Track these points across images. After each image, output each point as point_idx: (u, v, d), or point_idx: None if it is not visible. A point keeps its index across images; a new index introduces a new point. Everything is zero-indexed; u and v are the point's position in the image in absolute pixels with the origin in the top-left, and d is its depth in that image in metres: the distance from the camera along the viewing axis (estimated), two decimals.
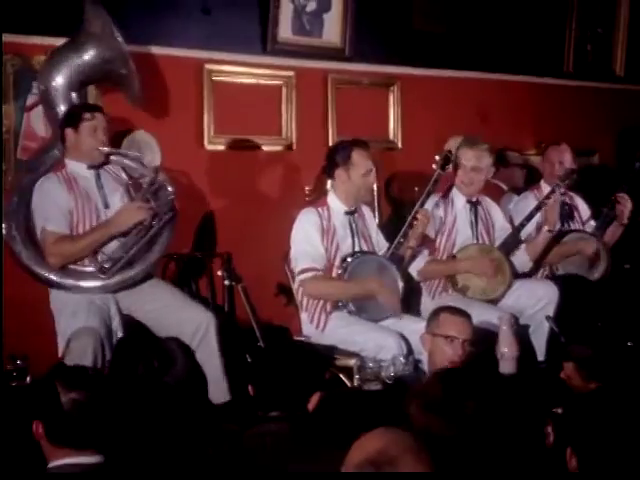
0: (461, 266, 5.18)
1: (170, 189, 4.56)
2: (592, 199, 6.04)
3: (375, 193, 5.85)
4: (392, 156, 6.34)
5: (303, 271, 4.74)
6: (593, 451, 2.30)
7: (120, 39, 4.71)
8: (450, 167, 5.13)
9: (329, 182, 5.17)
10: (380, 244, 5.03)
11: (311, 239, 4.78)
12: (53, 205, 4.45)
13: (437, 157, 5.05)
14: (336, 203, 4.90)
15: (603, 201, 5.92)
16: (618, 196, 5.76)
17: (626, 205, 5.73)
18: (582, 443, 2.34)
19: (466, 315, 4.10)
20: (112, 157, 4.65)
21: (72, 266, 4.47)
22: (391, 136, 6.39)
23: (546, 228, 5.38)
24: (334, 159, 4.89)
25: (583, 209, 5.95)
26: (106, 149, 4.56)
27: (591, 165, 7.29)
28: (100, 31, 4.73)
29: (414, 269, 5.16)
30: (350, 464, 2.00)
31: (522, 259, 5.38)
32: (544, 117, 7.06)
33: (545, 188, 5.71)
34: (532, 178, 6.18)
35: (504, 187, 6.04)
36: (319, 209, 4.87)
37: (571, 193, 5.90)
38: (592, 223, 5.89)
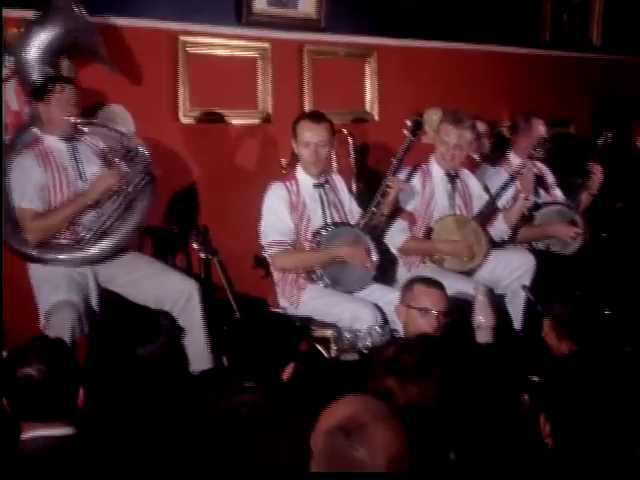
0: (440, 248, 5.19)
1: (144, 152, 4.56)
2: (566, 168, 6.07)
3: (353, 165, 5.84)
4: (369, 127, 6.33)
5: (271, 245, 4.76)
6: (566, 417, 2.31)
7: (83, 10, 4.70)
8: (421, 132, 5.11)
9: None
10: (353, 212, 5.03)
11: (279, 213, 4.78)
12: (28, 182, 4.45)
13: (408, 122, 5.04)
14: (304, 176, 4.88)
15: (576, 171, 5.95)
16: (590, 166, 5.79)
17: (597, 175, 5.77)
18: (555, 409, 2.35)
19: (441, 287, 4.09)
20: (88, 128, 4.63)
21: (51, 240, 4.47)
22: (368, 107, 6.37)
23: (523, 196, 5.39)
24: (292, 131, 4.89)
25: (549, 177, 5.99)
26: (75, 119, 4.53)
27: (566, 134, 7.30)
28: (64, 3, 4.71)
29: (392, 243, 5.17)
30: (320, 431, 2.00)
31: (501, 227, 5.41)
32: (521, 87, 7.05)
33: (514, 159, 5.75)
34: (502, 148, 6.17)
35: (476, 157, 6.04)
36: (287, 183, 4.86)
37: (536, 162, 5.95)
38: (558, 192, 5.92)
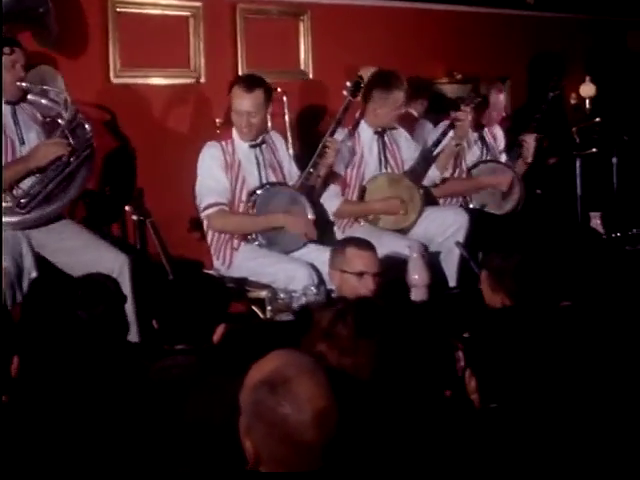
0: (374, 208, 5.20)
1: (88, 127, 4.51)
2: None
3: (287, 125, 5.81)
4: (304, 86, 6.29)
5: (208, 206, 4.73)
6: (491, 371, 2.33)
7: None
8: (360, 93, 5.10)
9: None
10: (292, 173, 5.01)
11: (214, 174, 4.74)
12: None
13: (348, 83, 5.02)
14: (238, 136, 4.85)
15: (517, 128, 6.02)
16: (522, 139, 5.86)
17: (530, 146, 5.84)
18: (481, 364, 2.37)
19: (372, 247, 4.09)
20: (30, 96, 4.55)
21: None
22: (302, 66, 6.33)
23: (454, 142, 5.41)
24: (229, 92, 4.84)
25: (500, 139, 6.03)
26: (25, 84, 4.47)
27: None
28: None
29: (328, 207, 5.16)
30: (246, 385, 2.00)
31: (432, 174, 5.42)
32: (456, 45, 7.06)
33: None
34: (440, 106, 6.19)
35: (415, 114, 6.06)
36: (222, 143, 4.82)
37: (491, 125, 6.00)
38: (503, 157, 5.98)
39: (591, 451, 2.18)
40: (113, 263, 4.41)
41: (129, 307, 4.36)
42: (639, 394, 2.72)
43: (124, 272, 4.41)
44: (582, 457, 2.17)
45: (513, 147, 5.97)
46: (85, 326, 3.33)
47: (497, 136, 6.03)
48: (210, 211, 4.73)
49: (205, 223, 4.86)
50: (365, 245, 4.10)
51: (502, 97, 5.93)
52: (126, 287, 4.38)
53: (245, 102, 4.73)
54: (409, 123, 5.90)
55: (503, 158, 5.98)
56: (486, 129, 5.94)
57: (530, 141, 5.86)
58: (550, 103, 6.01)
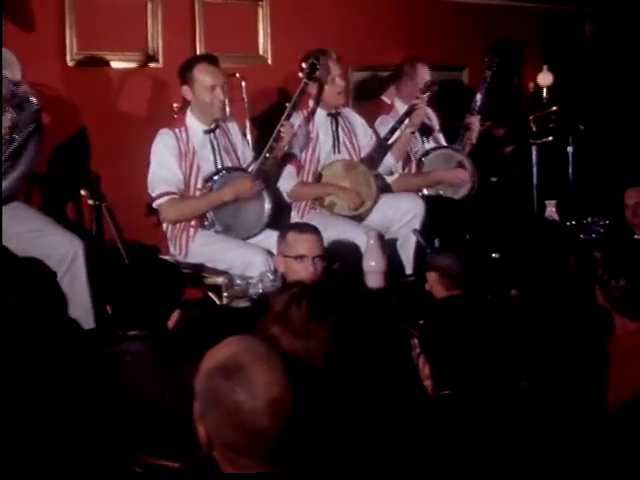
0: (328, 189, 5.20)
1: (34, 100, 4.41)
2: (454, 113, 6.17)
3: (246, 110, 5.79)
4: (262, 71, 6.26)
5: (159, 196, 4.70)
6: (444, 358, 2.35)
7: None
8: (317, 75, 5.10)
9: None
10: (247, 157, 5.00)
11: (166, 163, 4.70)
12: None
13: (303, 65, 5.01)
14: (193, 122, 4.81)
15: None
16: (467, 122, 5.92)
17: (475, 127, 5.89)
18: (434, 351, 2.38)
19: (314, 231, 4.11)
20: None
21: None
22: (261, 51, 6.30)
23: (409, 130, 5.43)
24: (180, 77, 4.80)
25: (434, 120, 6.07)
26: None
27: (457, 81, 7.38)
28: None
29: (283, 188, 5.16)
30: (201, 371, 1.99)
31: (388, 162, 5.46)
32: (414, 32, 7.06)
33: (400, 106, 5.80)
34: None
35: (388, 102, 6.07)
36: (176, 130, 4.77)
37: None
38: (441, 137, 6.01)
39: (542, 436, 2.21)
40: (68, 248, 4.35)
41: (83, 293, 4.34)
42: (587, 379, 2.77)
43: (78, 257, 4.34)
44: (533, 441, 2.19)
45: (459, 131, 6.02)
46: (19, 312, 3.28)
47: (431, 116, 6.05)
48: (161, 201, 4.70)
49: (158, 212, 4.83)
50: (306, 229, 4.12)
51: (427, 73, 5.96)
52: (81, 272, 4.35)
53: (216, 76, 4.74)
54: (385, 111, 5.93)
55: (441, 139, 6.02)
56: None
57: (475, 122, 5.91)
58: (489, 82, 6.06)
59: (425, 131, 5.91)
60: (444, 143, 6.00)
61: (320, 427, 2.21)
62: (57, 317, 3.97)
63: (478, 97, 6.03)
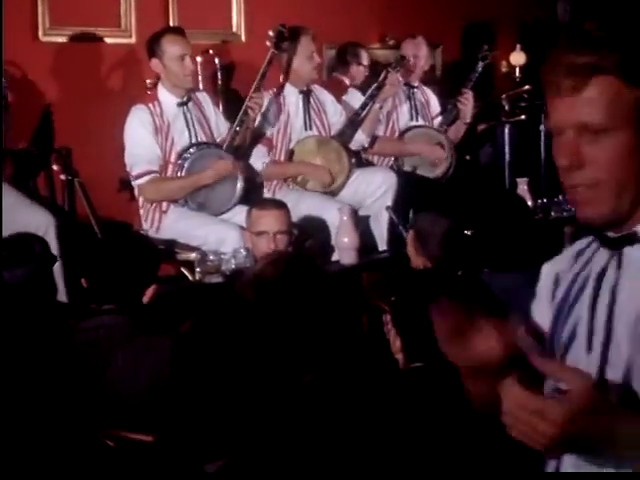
0: (300, 169, 5.21)
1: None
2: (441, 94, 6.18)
3: (219, 86, 5.77)
4: (235, 48, 6.25)
5: (140, 175, 4.68)
6: (415, 332, 2.37)
7: None
8: (285, 46, 5.08)
9: None
10: (220, 127, 4.99)
11: (143, 140, 4.69)
12: None
13: (270, 33, 4.99)
14: (166, 96, 4.80)
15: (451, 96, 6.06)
16: (461, 95, 5.89)
17: (468, 104, 5.86)
18: (405, 324, 2.41)
19: (276, 206, 4.12)
20: None
21: None
22: (234, 28, 6.27)
23: (377, 105, 5.44)
24: (149, 50, 4.80)
25: (434, 104, 6.08)
26: None
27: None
28: None
29: (255, 167, 5.15)
30: None
31: (359, 137, 5.44)
32: (389, 9, 7.05)
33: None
34: (376, 72, 6.21)
35: (347, 82, 6.06)
36: (149, 105, 4.76)
37: (425, 87, 6.04)
38: (438, 120, 6.02)
39: None
40: (39, 223, 4.34)
41: (56, 267, 4.32)
42: None
43: (50, 232, 4.33)
44: None
45: (446, 110, 6.01)
46: (9, 289, 3.29)
47: (431, 102, 6.07)
48: (141, 181, 4.69)
49: (136, 190, 4.81)
50: (269, 205, 4.15)
51: (423, 51, 5.96)
52: (53, 247, 4.33)
53: (185, 45, 4.75)
54: (340, 91, 5.91)
55: (436, 123, 6.03)
56: (417, 90, 5.99)
57: (469, 98, 5.88)
58: (480, 73, 6.06)
59: (416, 109, 5.93)
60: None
61: (288, 399, 2.23)
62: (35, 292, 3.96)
63: (470, 80, 5.98)
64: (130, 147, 4.71)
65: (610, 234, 1.55)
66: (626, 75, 1.47)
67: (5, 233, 4.31)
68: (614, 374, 1.48)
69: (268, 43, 4.96)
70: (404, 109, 5.94)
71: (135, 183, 4.73)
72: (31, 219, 4.34)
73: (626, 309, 1.49)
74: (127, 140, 4.72)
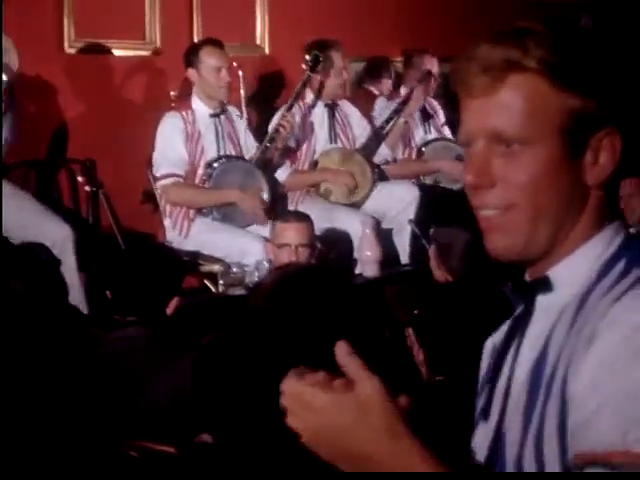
0: (322, 176, 5.21)
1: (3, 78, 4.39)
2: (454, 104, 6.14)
3: (242, 99, 5.79)
4: (260, 61, 6.27)
5: (164, 177, 4.74)
6: (438, 345, 2.37)
7: None
8: (320, 68, 5.11)
9: None
10: (249, 145, 5.02)
11: (172, 144, 4.75)
12: None
13: (307, 57, 5.03)
14: (200, 106, 4.87)
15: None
16: None
17: None
18: (429, 338, 2.40)
19: (300, 219, 4.13)
20: None
21: None
22: (258, 41, 6.29)
23: (402, 120, 5.45)
24: (186, 61, 4.87)
25: (439, 114, 6.07)
26: None
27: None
28: None
29: (278, 178, 5.17)
30: None
31: (382, 152, 5.47)
32: (411, 23, 7.05)
33: (405, 93, 5.80)
34: (400, 85, 6.23)
35: (376, 92, 6.08)
36: (183, 113, 4.83)
37: (430, 99, 6.04)
38: (446, 130, 6.01)
39: None
40: (56, 235, 4.32)
41: (74, 279, 4.33)
42: None
43: (67, 244, 4.33)
44: None
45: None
46: (20, 297, 3.30)
47: (437, 110, 6.08)
48: (165, 182, 4.74)
49: (159, 193, 4.85)
50: (293, 217, 4.16)
51: (436, 67, 5.97)
52: (70, 259, 4.33)
53: (223, 57, 4.83)
54: (369, 101, 5.93)
55: (446, 131, 6.04)
56: (426, 104, 6.00)
57: None
58: None
59: (428, 121, 5.93)
60: (449, 135, 5.99)
61: None
62: (56, 303, 3.98)
63: None
64: (158, 149, 4.80)
65: (526, 277, 1.29)
66: (554, 74, 1.19)
67: (23, 238, 4.34)
68: (510, 436, 1.26)
69: (304, 66, 5.00)
70: (417, 123, 5.94)
71: (159, 184, 4.80)
72: (49, 230, 4.33)
73: (525, 357, 1.26)
74: (157, 142, 4.81)
